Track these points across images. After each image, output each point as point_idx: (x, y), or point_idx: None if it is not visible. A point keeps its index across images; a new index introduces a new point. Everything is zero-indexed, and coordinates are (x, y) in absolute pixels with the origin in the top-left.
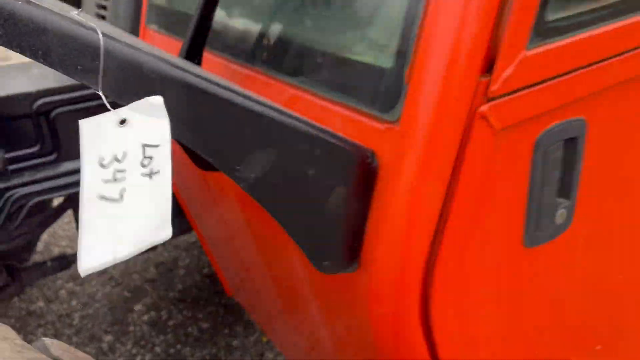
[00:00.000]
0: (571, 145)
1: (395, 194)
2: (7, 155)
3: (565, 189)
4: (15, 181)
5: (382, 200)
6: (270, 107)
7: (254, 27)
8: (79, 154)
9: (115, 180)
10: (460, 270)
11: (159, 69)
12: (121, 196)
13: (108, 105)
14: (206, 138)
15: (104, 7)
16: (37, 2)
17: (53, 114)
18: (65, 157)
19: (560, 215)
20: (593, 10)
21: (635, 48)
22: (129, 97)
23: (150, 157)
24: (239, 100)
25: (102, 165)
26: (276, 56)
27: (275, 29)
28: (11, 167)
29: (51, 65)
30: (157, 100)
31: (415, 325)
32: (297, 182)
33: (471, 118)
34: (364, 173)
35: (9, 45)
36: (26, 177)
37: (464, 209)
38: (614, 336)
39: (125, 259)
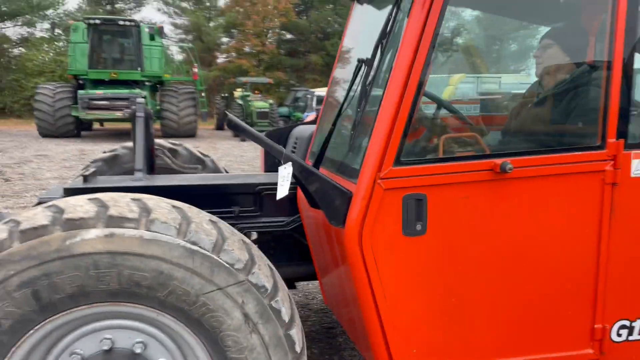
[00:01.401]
0: (420, 202)
1: (354, 206)
2: (239, 209)
3: (419, 217)
4: (240, 221)
5: (352, 207)
6: (321, 175)
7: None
8: (270, 215)
9: (283, 175)
10: (373, 231)
11: (294, 159)
12: (282, 184)
13: (282, 162)
14: (306, 179)
15: (295, 147)
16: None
17: (262, 193)
18: (263, 215)
19: (418, 226)
20: (421, 159)
21: (452, 172)
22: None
23: (287, 177)
24: (316, 174)
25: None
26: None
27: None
28: (240, 214)
29: (272, 153)
30: (289, 167)
31: (357, 247)
32: (324, 195)
33: (375, 184)
34: (346, 197)
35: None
36: (244, 220)
37: (372, 214)
38: (463, 296)
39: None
